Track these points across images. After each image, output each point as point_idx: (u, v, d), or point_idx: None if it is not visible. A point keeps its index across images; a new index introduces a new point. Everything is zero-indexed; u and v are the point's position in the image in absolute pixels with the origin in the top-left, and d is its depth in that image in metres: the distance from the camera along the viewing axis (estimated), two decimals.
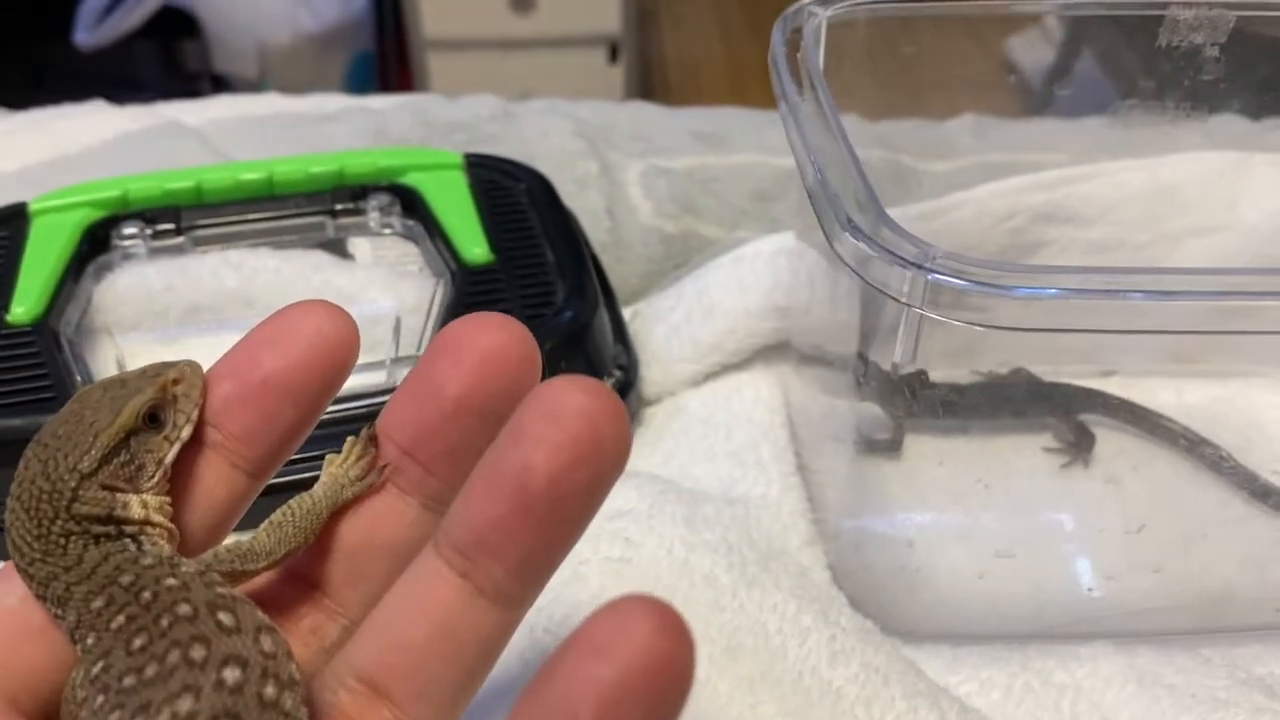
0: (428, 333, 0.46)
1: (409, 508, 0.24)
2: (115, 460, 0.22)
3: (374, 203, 0.52)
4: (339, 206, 0.52)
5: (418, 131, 0.65)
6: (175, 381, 0.23)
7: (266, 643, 0.20)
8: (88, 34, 1.53)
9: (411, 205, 0.52)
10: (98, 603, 0.21)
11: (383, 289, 0.49)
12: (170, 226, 0.50)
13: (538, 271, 0.48)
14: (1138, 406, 0.45)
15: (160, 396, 0.22)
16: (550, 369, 0.24)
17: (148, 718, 0.19)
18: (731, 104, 0.72)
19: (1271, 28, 0.44)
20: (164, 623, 0.20)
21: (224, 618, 0.20)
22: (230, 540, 0.23)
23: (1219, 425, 0.45)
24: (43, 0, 1.58)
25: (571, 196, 0.56)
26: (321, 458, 0.24)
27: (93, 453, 0.22)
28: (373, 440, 0.24)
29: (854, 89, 0.42)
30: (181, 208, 0.51)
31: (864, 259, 0.30)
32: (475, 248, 0.49)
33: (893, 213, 0.31)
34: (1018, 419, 0.45)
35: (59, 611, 0.21)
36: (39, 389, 0.41)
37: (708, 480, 0.44)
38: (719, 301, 0.48)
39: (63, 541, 0.21)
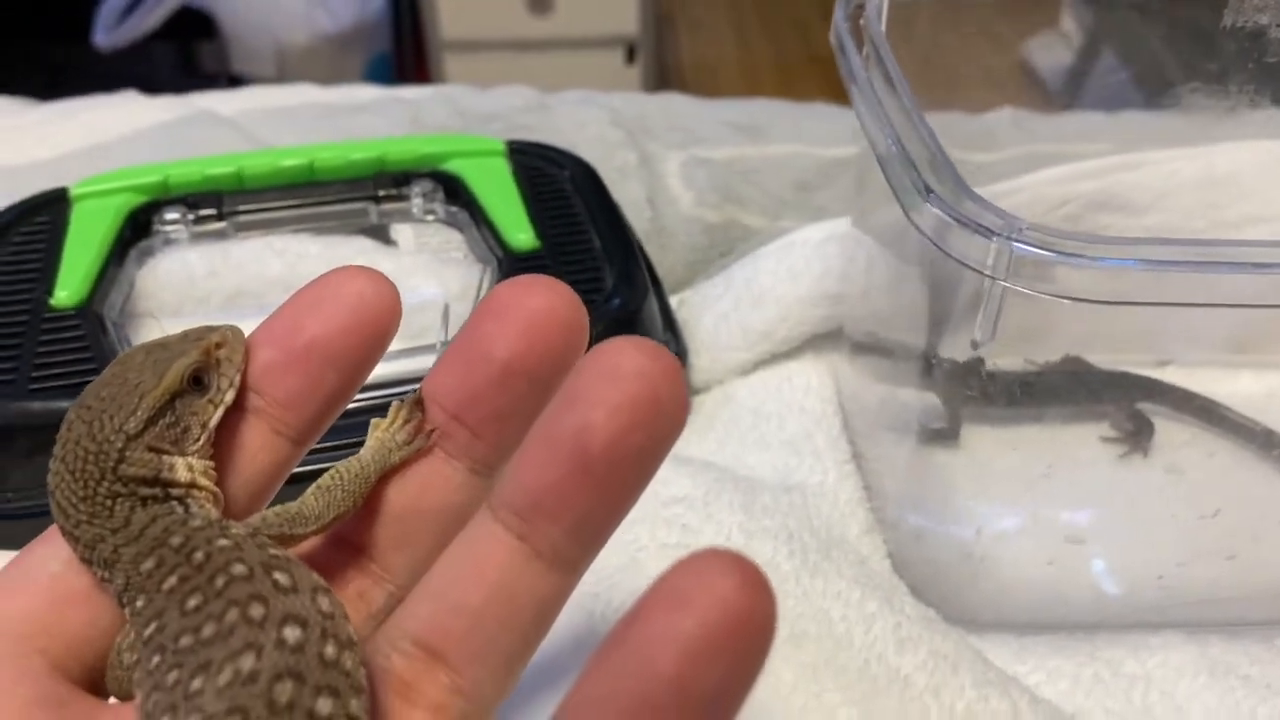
0: None
1: (456, 472, 0.23)
2: (161, 422, 0.21)
3: (417, 189, 0.52)
4: (381, 193, 0.51)
5: (454, 121, 0.65)
6: (218, 345, 0.22)
7: (324, 603, 0.20)
8: (106, 35, 1.53)
9: (454, 192, 0.51)
10: (148, 564, 0.20)
11: (427, 275, 0.48)
12: (212, 212, 0.50)
13: (585, 258, 0.47)
14: (1201, 397, 0.44)
15: (204, 359, 0.22)
16: None
17: (208, 677, 0.18)
18: None
19: None
20: (219, 583, 0.20)
21: (280, 577, 0.20)
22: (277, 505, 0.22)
23: (1278, 416, 0.44)
24: (60, 2, 1.58)
25: (612, 186, 0.55)
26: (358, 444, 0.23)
27: (139, 414, 0.21)
28: (419, 405, 0.23)
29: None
30: (223, 193, 0.50)
31: (943, 229, 0.30)
32: (521, 234, 0.48)
33: None
34: (1079, 407, 0.45)
35: (106, 574, 0.21)
36: (85, 372, 0.41)
37: (762, 468, 0.43)
38: (769, 289, 0.48)
39: (109, 503, 0.21)
